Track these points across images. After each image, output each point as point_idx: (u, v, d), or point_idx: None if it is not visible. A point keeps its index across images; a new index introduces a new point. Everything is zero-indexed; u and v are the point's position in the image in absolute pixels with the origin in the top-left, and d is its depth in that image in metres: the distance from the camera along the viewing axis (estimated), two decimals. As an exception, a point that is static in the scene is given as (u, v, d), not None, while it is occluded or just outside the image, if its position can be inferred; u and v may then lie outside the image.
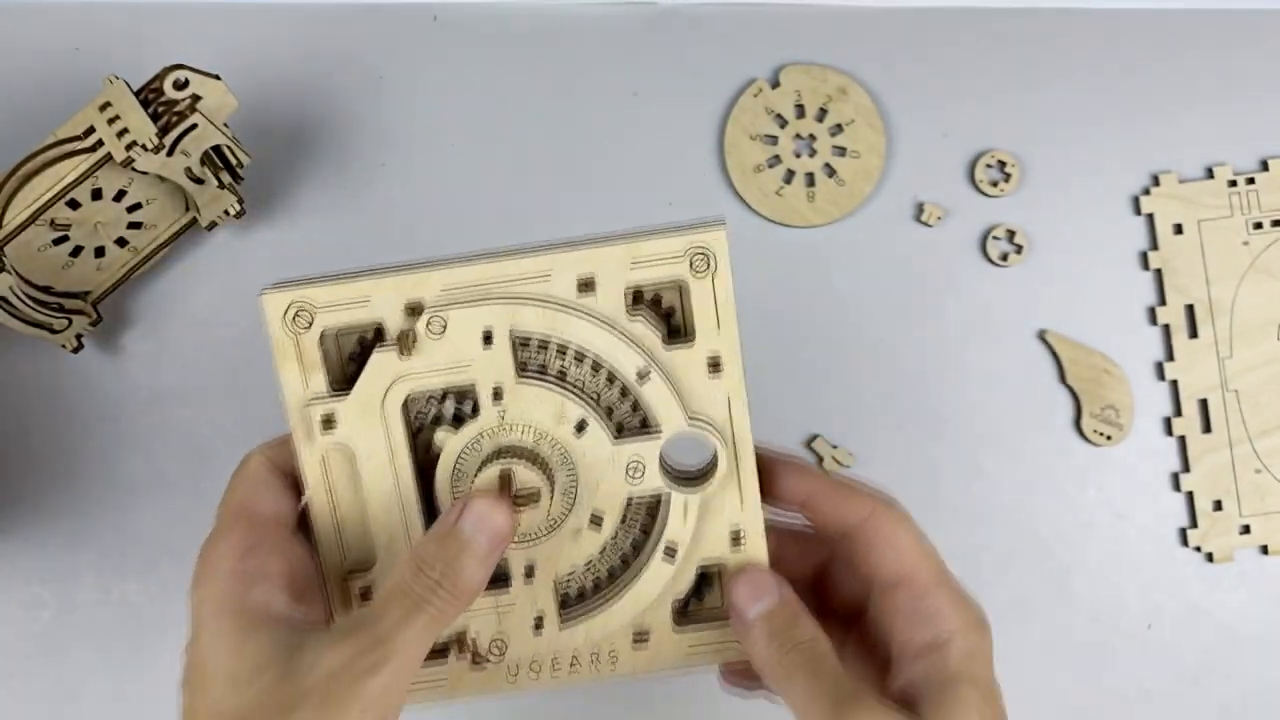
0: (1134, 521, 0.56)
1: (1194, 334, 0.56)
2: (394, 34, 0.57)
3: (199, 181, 0.51)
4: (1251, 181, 0.56)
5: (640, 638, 0.37)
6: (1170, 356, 0.56)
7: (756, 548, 0.37)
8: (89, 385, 0.56)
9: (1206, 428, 0.56)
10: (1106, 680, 0.55)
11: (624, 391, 0.36)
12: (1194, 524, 0.56)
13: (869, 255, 0.57)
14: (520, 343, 0.35)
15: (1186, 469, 0.56)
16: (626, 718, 0.56)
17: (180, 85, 0.48)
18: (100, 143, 0.48)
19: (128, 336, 0.56)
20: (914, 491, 0.55)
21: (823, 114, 0.57)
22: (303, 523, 0.36)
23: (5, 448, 0.55)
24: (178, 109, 0.48)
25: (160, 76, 0.48)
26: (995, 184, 0.56)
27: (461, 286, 0.34)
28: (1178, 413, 0.56)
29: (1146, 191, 0.57)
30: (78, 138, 0.48)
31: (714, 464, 0.36)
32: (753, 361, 0.54)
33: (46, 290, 0.52)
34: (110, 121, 0.47)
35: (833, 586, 0.38)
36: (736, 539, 0.36)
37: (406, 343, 0.34)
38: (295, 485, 0.35)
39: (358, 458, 0.35)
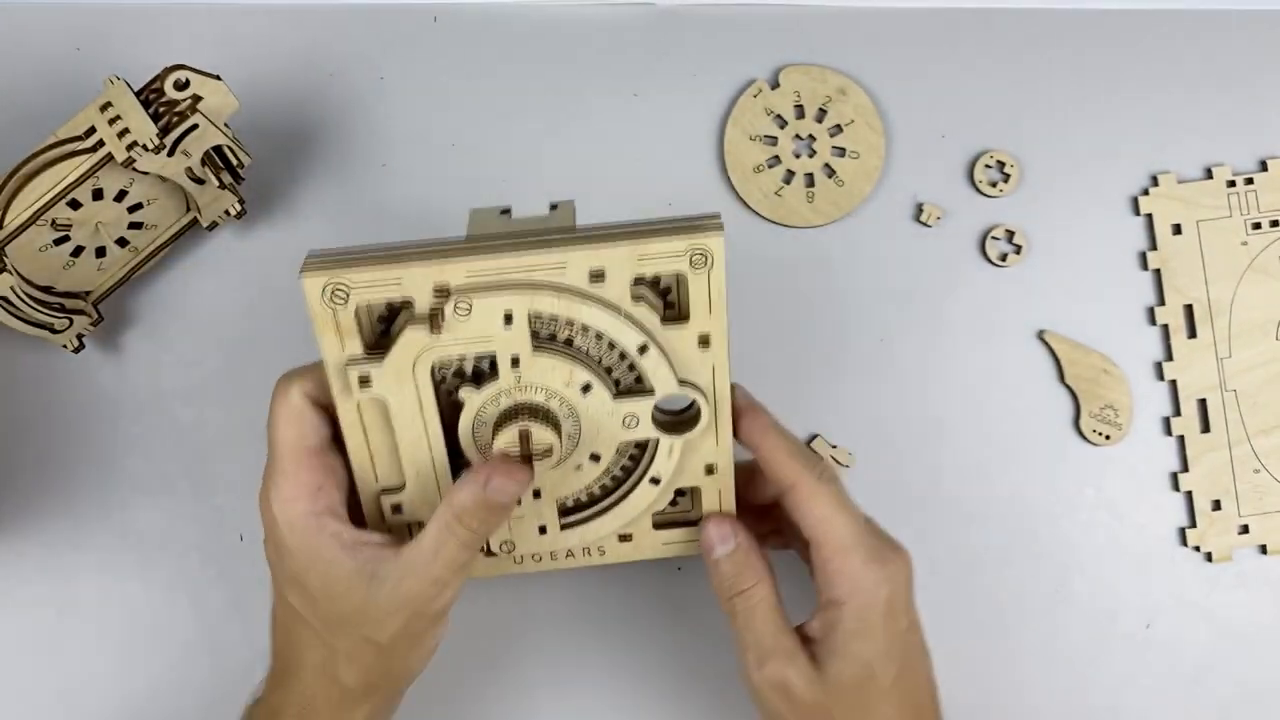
0: (1133, 521, 0.56)
1: (1193, 334, 0.56)
2: (394, 34, 0.57)
3: (200, 182, 0.51)
4: (1250, 182, 0.57)
5: (625, 537, 0.46)
6: (1169, 356, 0.56)
7: (726, 486, 0.44)
8: (89, 385, 0.56)
9: (1205, 427, 0.56)
10: (1105, 679, 0.55)
11: (623, 355, 0.41)
12: (1193, 523, 0.56)
13: (868, 255, 0.57)
14: (535, 317, 0.39)
15: (1185, 469, 0.56)
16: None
17: (181, 85, 0.48)
18: (101, 143, 0.48)
19: (128, 336, 0.56)
20: (914, 491, 0.56)
21: (822, 114, 0.57)
22: (339, 440, 0.42)
23: (5, 448, 0.55)
24: (179, 109, 0.48)
25: (161, 77, 0.48)
26: (994, 184, 0.57)
27: (486, 274, 0.38)
28: (1176, 412, 0.56)
29: (1145, 192, 0.57)
30: (79, 138, 0.48)
31: (696, 413, 0.42)
32: (753, 361, 0.55)
33: (47, 290, 0.52)
34: (111, 122, 0.47)
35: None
36: (710, 470, 0.44)
37: (436, 321, 0.38)
38: (331, 411, 0.42)
39: (390, 409, 0.40)
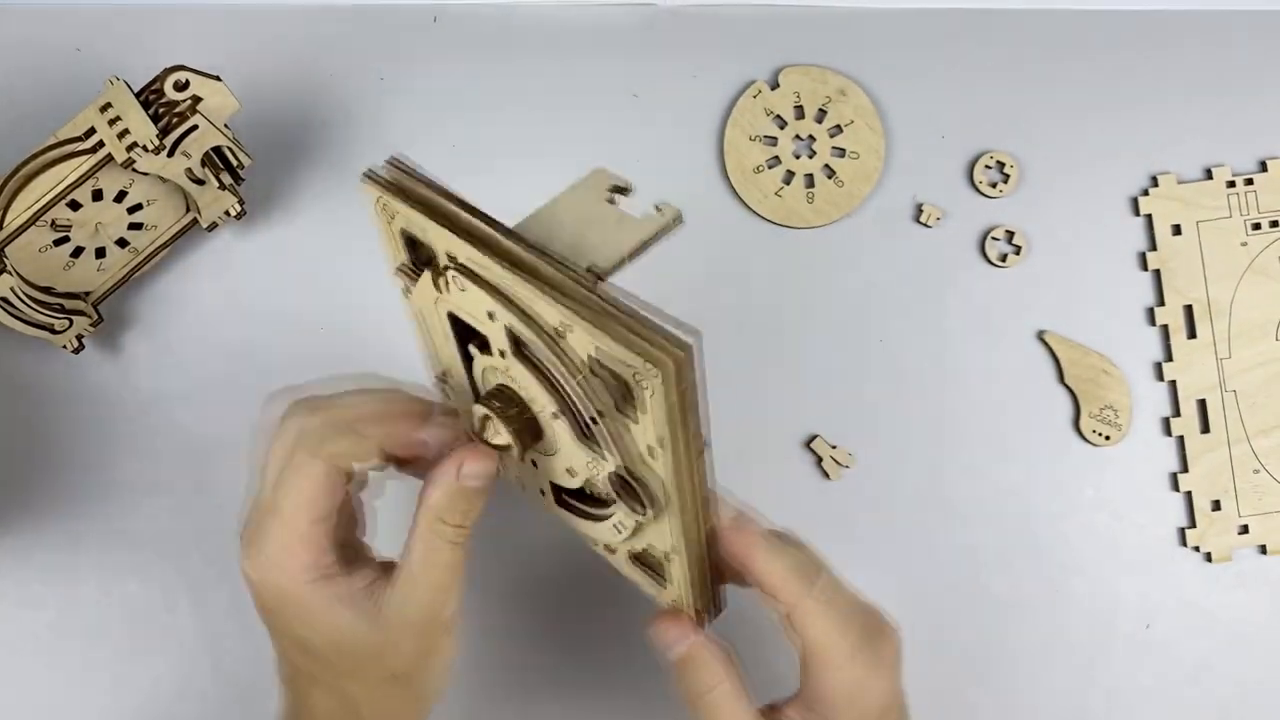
0: (1132, 521, 0.56)
1: (1192, 334, 0.56)
2: (394, 34, 0.57)
3: (200, 182, 0.51)
4: (1250, 182, 0.57)
5: (609, 548, 0.43)
6: (1169, 357, 0.56)
7: (686, 579, 0.41)
8: (89, 386, 0.56)
9: (1205, 428, 0.56)
10: (1105, 680, 0.56)
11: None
12: (1192, 524, 0.56)
13: (868, 256, 0.57)
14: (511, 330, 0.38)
15: (1185, 469, 0.56)
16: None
17: (181, 86, 0.48)
18: (101, 144, 0.48)
19: (128, 337, 0.56)
20: (914, 491, 0.56)
21: (822, 115, 0.57)
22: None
23: (5, 448, 0.55)
24: (178, 110, 0.48)
25: (161, 77, 0.48)
26: (994, 185, 0.57)
27: (481, 267, 0.37)
28: (1176, 413, 0.56)
29: (1145, 192, 0.57)
30: (79, 139, 0.48)
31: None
32: (752, 362, 0.55)
33: (47, 291, 0.52)
34: (111, 122, 0.47)
35: None
36: (668, 556, 0.41)
37: (439, 282, 0.39)
38: (348, 473, 0.40)
39: (429, 325, 0.42)
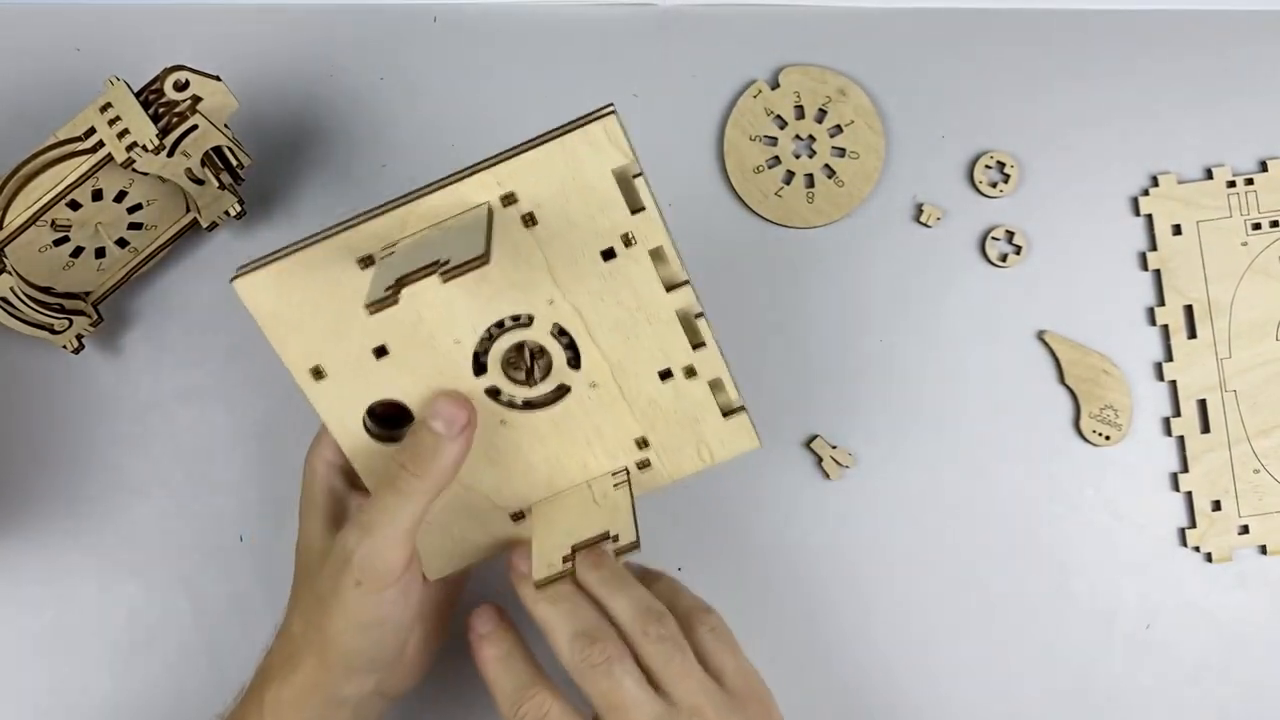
0: (1133, 521, 0.56)
1: (1193, 334, 0.56)
2: (394, 34, 0.57)
3: (199, 182, 0.51)
4: (1250, 182, 0.57)
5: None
6: (1169, 357, 0.56)
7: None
8: (89, 386, 0.56)
9: (1205, 428, 0.56)
10: (1105, 680, 0.55)
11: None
12: (1193, 524, 0.56)
13: (868, 256, 0.57)
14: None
15: (1185, 469, 0.56)
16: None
17: (181, 86, 0.48)
18: (101, 143, 0.48)
19: (128, 337, 0.56)
20: (913, 491, 0.56)
21: (822, 115, 0.57)
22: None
23: (5, 448, 0.55)
24: (178, 110, 0.48)
25: (161, 77, 0.48)
26: (994, 185, 0.57)
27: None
28: (1176, 413, 0.56)
29: (1145, 192, 0.57)
30: (79, 138, 0.48)
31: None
32: (753, 362, 0.55)
33: (47, 291, 0.52)
34: (111, 122, 0.47)
35: None
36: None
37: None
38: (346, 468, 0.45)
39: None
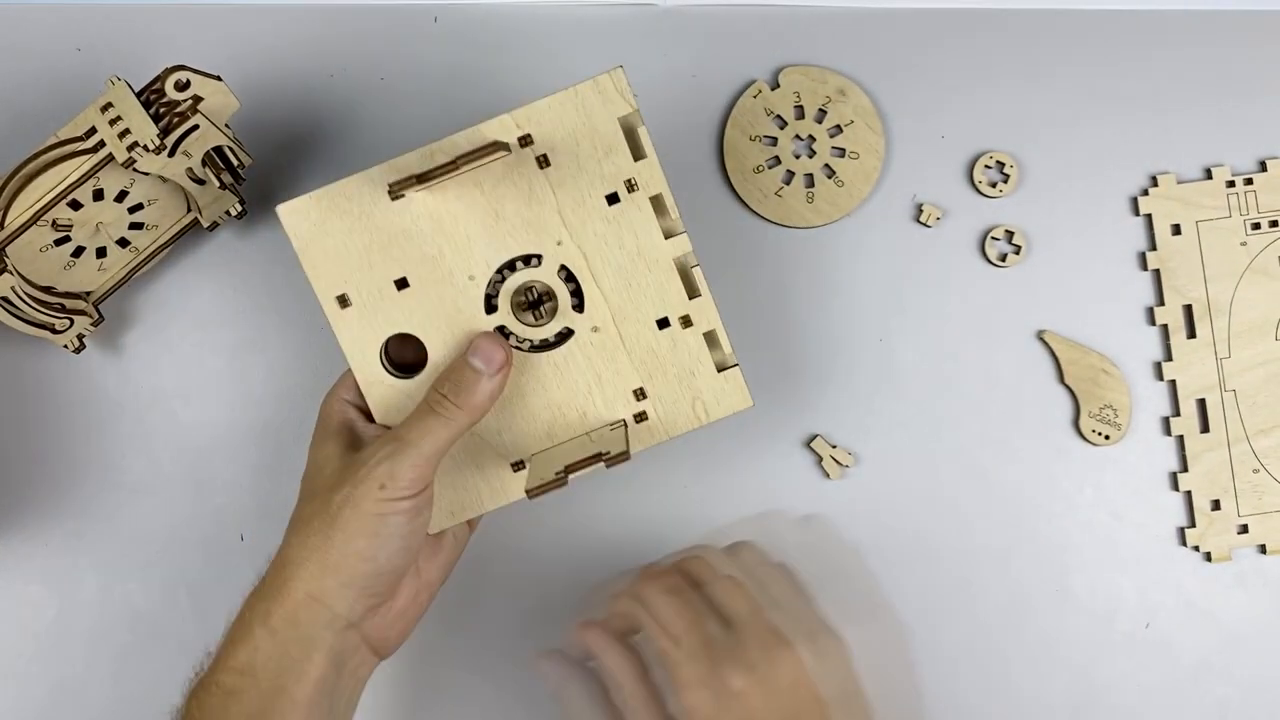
0: (1132, 521, 0.56)
1: (1192, 334, 0.56)
2: (394, 34, 0.57)
3: (200, 182, 0.51)
4: (1250, 182, 0.57)
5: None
6: (1168, 356, 0.56)
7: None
8: (90, 385, 0.56)
9: (1204, 427, 0.56)
10: (1105, 679, 0.56)
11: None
12: (1192, 523, 0.56)
13: (868, 256, 0.57)
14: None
15: (1184, 468, 0.56)
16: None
17: (182, 86, 0.48)
18: (102, 143, 0.48)
19: (129, 337, 0.56)
20: (913, 491, 0.56)
21: (822, 115, 0.57)
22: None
23: (5, 448, 0.55)
24: (179, 110, 0.48)
25: (162, 77, 0.48)
26: (994, 185, 0.57)
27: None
28: (1176, 412, 0.56)
29: (1145, 192, 0.57)
30: (80, 138, 0.48)
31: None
32: (753, 362, 0.55)
33: (48, 290, 0.52)
34: (112, 122, 0.47)
35: None
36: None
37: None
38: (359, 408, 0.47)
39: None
